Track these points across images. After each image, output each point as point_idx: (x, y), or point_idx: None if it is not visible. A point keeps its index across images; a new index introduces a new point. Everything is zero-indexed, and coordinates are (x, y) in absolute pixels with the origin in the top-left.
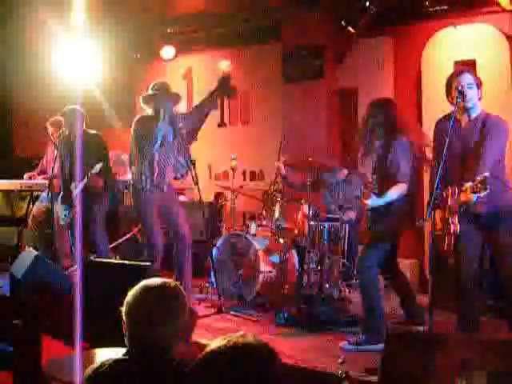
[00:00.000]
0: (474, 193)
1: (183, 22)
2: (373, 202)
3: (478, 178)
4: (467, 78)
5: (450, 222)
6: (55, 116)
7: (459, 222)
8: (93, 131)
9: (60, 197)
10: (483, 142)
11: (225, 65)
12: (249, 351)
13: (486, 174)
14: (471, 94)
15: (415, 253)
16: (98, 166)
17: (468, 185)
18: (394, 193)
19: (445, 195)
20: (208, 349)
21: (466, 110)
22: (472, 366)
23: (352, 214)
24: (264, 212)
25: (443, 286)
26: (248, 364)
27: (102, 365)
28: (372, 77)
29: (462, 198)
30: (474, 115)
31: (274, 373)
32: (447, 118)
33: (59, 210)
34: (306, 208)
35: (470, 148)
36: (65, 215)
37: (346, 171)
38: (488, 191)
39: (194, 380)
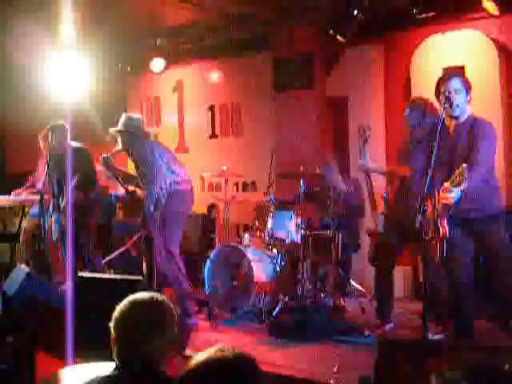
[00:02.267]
0: (454, 186)
1: (172, 34)
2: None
3: (457, 170)
4: (455, 84)
5: (439, 225)
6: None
7: (448, 225)
8: (77, 145)
9: (50, 211)
10: (474, 144)
11: (215, 76)
12: (224, 365)
13: (464, 164)
14: (458, 99)
15: (409, 260)
16: (74, 181)
17: (446, 183)
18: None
19: (435, 198)
20: (188, 364)
21: (454, 116)
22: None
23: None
24: (257, 223)
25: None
26: (223, 378)
27: (91, 381)
28: (362, 85)
29: (442, 198)
30: (462, 119)
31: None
32: (436, 124)
33: (52, 223)
34: (298, 217)
35: (457, 152)
36: (56, 228)
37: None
38: (467, 183)
39: None
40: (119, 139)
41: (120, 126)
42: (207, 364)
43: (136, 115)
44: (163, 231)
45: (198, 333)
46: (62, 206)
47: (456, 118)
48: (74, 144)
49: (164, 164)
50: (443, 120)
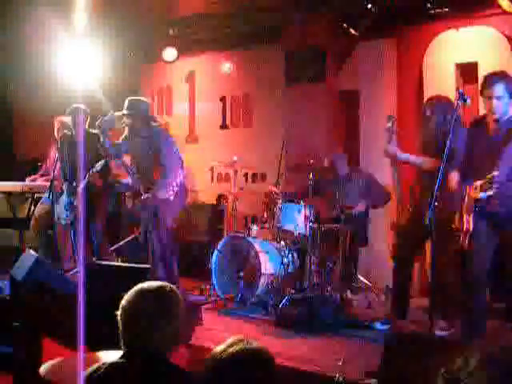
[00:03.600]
0: (482, 191)
1: (185, 24)
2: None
3: (488, 176)
4: (496, 91)
5: (465, 220)
6: (61, 116)
7: (474, 221)
8: (95, 131)
9: (62, 197)
10: (506, 145)
11: (227, 67)
12: (250, 356)
13: (495, 173)
14: (497, 105)
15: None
16: (99, 165)
17: (478, 183)
18: None
19: (464, 194)
20: (211, 355)
21: (494, 119)
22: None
23: (361, 207)
24: (265, 214)
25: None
26: (250, 368)
27: (97, 368)
28: (373, 79)
29: (472, 194)
30: (503, 119)
31: (273, 376)
32: (478, 121)
33: (60, 210)
34: (307, 210)
35: (492, 150)
36: (66, 215)
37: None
38: (495, 191)
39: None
40: (126, 123)
41: (127, 110)
42: (235, 354)
43: (143, 98)
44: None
45: (203, 323)
46: (79, 189)
47: (496, 120)
48: (93, 131)
49: (178, 154)
50: (484, 118)
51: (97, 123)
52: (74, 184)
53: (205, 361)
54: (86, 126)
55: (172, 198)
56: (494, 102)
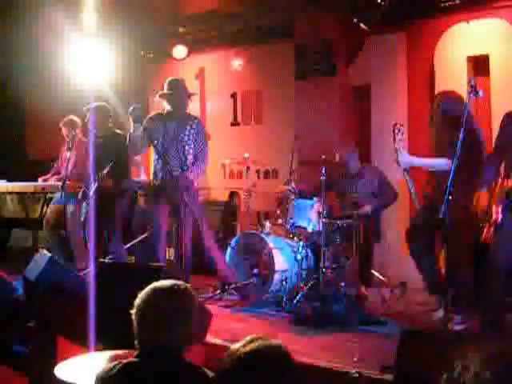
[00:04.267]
0: None
1: (195, 21)
2: None
3: None
4: None
5: (494, 211)
6: (68, 116)
7: (503, 212)
8: (118, 130)
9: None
10: None
11: (237, 63)
12: (268, 352)
13: None
14: None
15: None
16: (106, 168)
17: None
18: None
19: (493, 184)
20: (229, 353)
21: None
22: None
23: (367, 208)
24: (278, 211)
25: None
26: (268, 365)
27: (112, 367)
28: (385, 73)
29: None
30: None
31: (291, 373)
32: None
33: (72, 210)
34: (320, 206)
35: None
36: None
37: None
38: None
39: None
40: (166, 103)
41: (168, 90)
42: (249, 355)
43: (180, 78)
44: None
45: (217, 320)
46: (91, 191)
47: None
48: (116, 131)
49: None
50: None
51: (129, 111)
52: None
53: (222, 359)
54: (111, 125)
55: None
56: None
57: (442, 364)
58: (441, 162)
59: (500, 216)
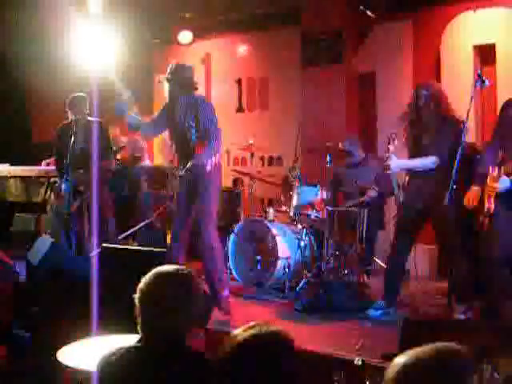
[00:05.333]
0: (507, 175)
1: (201, 7)
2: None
3: None
4: None
5: (486, 201)
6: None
7: (495, 203)
8: (93, 119)
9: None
10: None
11: (243, 49)
12: (270, 338)
13: None
14: None
15: (432, 239)
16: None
17: (496, 173)
18: None
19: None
20: (230, 338)
21: None
22: (496, 353)
23: (373, 193)
24: (282, 198)
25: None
26: (269, 350)
27: (114, 352)
28: (391, 61)
29: (490, 182)
30: None
31: (293, 358)
32: None
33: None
34: (324, 194)
35: None
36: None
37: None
38: None
39: (222, 370)
40: (167, 88)
41: (168, 74)
42: (249, 341)
43: (188, 64)
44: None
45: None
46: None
47: None
48: (90, 118)
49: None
50: None
51: (123, 97)
52: (81, 172)
53: (223, 344)
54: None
55: (210, 169)
56: None
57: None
58: (426, 162)
59: (493, 206)
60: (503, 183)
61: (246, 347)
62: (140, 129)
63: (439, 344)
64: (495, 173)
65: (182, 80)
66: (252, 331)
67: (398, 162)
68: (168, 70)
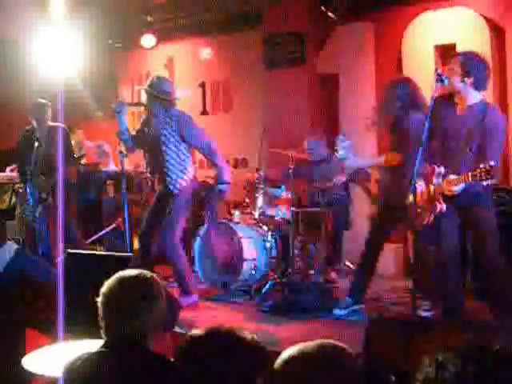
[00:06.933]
0: (480, 180)
1: (163, 10)
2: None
3: (483, 166)
4: None
5: (436, 201)
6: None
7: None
8: (53, 124)
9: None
10: (485, 141)
11: (206, 52)
12: (223, 340)
13: (492, 162)
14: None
15: (399, 237)
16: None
17: (453, 177)
18: None
19: (427, 171)
20: (186, 338)
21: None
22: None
23: (342, 177)
24: (247, 200)
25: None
26: (224, 352)
27: (79, 358)
28: (353, 62)
29: (445, 188)
30: (471, 102)
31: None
32: (445, 99)
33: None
34: (288, 194)
35: (461, 136)
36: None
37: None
38: (495, 180)
39: (179, 368)
40: (144, 101)
41: (147, 86)
42: (205, 340)
43: (167, 78)
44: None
45: (186, 310)
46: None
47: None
48: (53, 124)
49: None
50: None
51: (113, 106)
52: (43, 178)
53: (180, 345)
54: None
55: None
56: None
57: (408, 350)
58: (385, 159)
59: (444, 206)
60: (460, 187)
61: (195, 345)
62: (127, 142)
63: (325, 340)
64: (453, 176)
65: (160, 93)
66: (203, 331)
67: (356, 160)
68: (147, 82)
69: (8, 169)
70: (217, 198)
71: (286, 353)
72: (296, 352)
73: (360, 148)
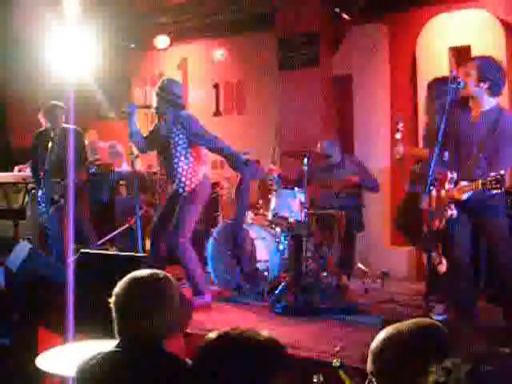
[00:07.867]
0: (489, 190)
1: (177, 11)
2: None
3: (493, 175)
4: None
5: (447, 206)
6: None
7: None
8: (67, 126)
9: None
10: (498, 147)
11: (219, 54)
12: (241, 343)
13: (502, 171)
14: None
15: None
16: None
17: (464, 183)
18: None
19: (441, 177)
20: (204, 342)
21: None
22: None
23: (355, 178)
24: (260, 201)
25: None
26: (242, 355)
27: (93, 357)
28: (367, 64)
29: (456, 194)
30: (486, 108)
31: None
32: (461, 103)
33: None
34: (302, 196)
35: (474, 141)
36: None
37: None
38: (502, 190)
39: (195, 374)
40: (155, 103)
41: (157, 88)
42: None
43: (177, 80)
44: (188, 206)
45: (199, 310)
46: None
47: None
48: (66, 126)
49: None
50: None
51: (122, 108)
52: (56, 180)
53: (198, 348)
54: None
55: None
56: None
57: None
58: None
59: (455, 212)
60: (468, 194)
61: (217, 351)
62: (138, 143)
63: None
64: (464, 182)
65: (170, 96)
66: (220, 333)
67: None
68: (158, 85)
69: (16, 168)
70: (247, 183)
71: (381, 335)
72: (392, 332)
73: (373, 149)
